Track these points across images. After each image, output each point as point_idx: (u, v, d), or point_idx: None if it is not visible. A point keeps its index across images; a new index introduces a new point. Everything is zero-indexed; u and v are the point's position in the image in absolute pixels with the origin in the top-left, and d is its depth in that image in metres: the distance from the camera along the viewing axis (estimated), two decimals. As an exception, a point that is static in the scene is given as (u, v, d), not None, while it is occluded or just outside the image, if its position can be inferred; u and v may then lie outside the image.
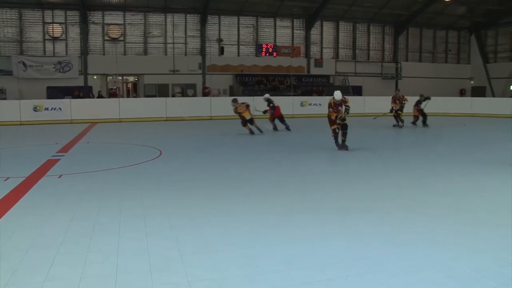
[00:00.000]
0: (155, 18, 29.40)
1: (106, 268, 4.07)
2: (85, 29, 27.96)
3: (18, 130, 18.31)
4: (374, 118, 19.32)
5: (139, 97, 28.73)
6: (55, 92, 25.45)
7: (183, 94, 29.08)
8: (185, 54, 29.83)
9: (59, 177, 8.24)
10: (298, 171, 9.00)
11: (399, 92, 18.71)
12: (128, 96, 30.15)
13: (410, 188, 7.42)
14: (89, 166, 9.49)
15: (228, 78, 30.33)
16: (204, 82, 29.76)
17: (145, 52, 29.28)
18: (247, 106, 15.72)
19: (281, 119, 16.66)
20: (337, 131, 11.19)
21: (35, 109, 20.94)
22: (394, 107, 18.07)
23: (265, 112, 16.73)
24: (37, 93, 25.36)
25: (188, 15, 29.77)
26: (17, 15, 27.20)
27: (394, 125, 18.19)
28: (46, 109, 21.14)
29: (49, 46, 27.86)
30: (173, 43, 29.52)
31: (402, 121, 18.04)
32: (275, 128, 16.68)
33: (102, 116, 21.19)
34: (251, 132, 15.48)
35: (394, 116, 18.14)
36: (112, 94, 29.13)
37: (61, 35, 27.97)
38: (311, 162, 9.99)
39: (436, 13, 33.06)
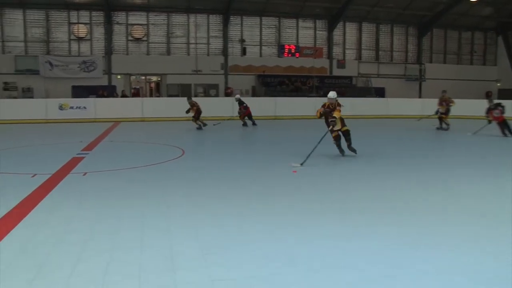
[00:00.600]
0: (178, 19, 29.61)
1: (130, 266, 4.11)
2: (109, 29, 28.33)
3: (44, 128, 18.63)
4: (418, 120, 18.95)
5: (162, 96, 28.97)
6: (79, 91, 25.85)
7: (206, 94, 29.21)
8: (208, 55, 29.98)
9: (84, 174, 8.36)
10: (313, 172, 8.96)
11: (445, 93, 17.83)
12: (151, 95, 30.42)
13: (438, 192, 7.32)
14: (113, 164, 9.61)
15: (250, 78, 30.37)
16: (226, 83, 29.87)
17: (168, 52, 29.51)
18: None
19: (250, 116, 19.01)
20: (338, 138, 10.62)
21: (60, 107, 21.32)
22: (440, 109, 17.51)
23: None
24: (63, 92, 25.80)
25: (211, 15, 29.91)
26: (44, 16, 27.71)
27: (437, 128, 17.66)
28: (71, 107, 21.52)
29: (74, 46, 28.31)
30: (196, 43, 29.69)
31: (448, 124, 17.45)
32: (244, 124, 18.91)
33: (125, 115, 21.43)
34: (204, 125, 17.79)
35: (439, 118, 17.62)
36: (135, 93, 29.45)
37: (86, 35, 28.38)
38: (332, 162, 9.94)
39: (461, 14, 32.58)
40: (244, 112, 19.05)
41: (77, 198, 6.62)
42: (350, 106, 24.67)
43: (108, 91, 26.77)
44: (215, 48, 30.20)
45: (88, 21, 28.38)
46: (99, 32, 28.54)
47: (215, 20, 30.06)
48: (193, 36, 29.77)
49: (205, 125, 17.85)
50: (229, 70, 30.01)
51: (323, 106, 10.76)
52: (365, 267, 4.07)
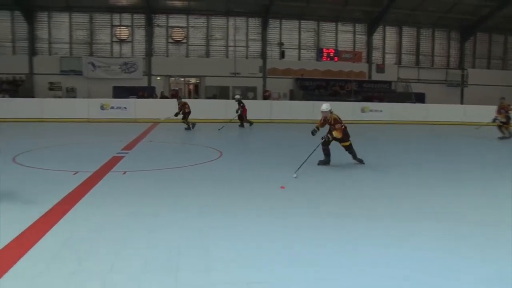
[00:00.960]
0: (218, 21, 29.90)
1: (167, 265, 4.17)
2: (150, 31, 28.87)
3: (86, 127, 19.13)
4: (476, 128, 18.18)
5: (200, 98, 29.27)
6: (120, 92, 26.42)
7: (243, 96, 29.32)
8: (246, 57, 30.14)
9: (124, 173, 8.53)
10: (351, 176, 8.86)
11: (504, 100, 16.67)
12: (189, 97, 30.78)
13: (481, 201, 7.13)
14: (152, 164, 9.78)
15: (288, 82, 30.33)
16: (264, 86, 29.93)
17: (207, 55, 29.83)
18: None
19: (245, 117, 19.44)
20: (327, 140, 9.61)
21: (102, 107, 21.86)
22: (499, 118, 16.33)
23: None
24: (104, 92, 26.43)
25: (250, 18, 30.07)
26: (88, 19, 28.54)
27: (499, 138, 16.33)
28: (112, 107, 22.03)
29: (116, 47, 29.01)
30: (235, 46, 29.90)
31: (510, 133, 16.37)
32: (241, 125, 19.40)
33: (164, 116, 21.71)
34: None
35: (498, 126, 16.51)
36: (174, 95, 29.85)
37: (128, 37, 29.03)
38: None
39: (507, 17, 31.51)
40: (242, 112, 19.47)
41: (116, 196, 6.76)
42: (388, 112, 24.53)
43: (147, 92, 27.26)
44: (254, 51, 30.34)
45: (130, 24, 29.03)
46: (140, 34, 29.14)
47: (254, 23, 30.20)
48: (232, 39, 29.99)
49: (194, 125, 18.10)
50: (267, 73, 30.07)
51: (321, 121, 9.90)
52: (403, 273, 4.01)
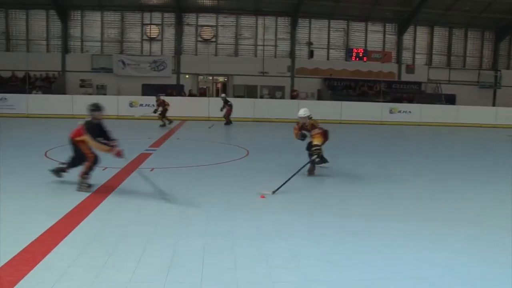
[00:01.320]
0: (247, 21, 29.94)
1: (193, 262, 4.21)
2: (179, 30, 29.12)
3: (115, 123, 19.35)
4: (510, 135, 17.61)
5: (228, 97, 29.35)
6: (149, 90, 26.69)
7: (271, 96, 29.35)
8: (275, 56, 30.09)
9: (151, 170, 8.64)
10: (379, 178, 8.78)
11: None
12: (217, 95, 30.93)
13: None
14: (178, 161, 9.89)
15: (316, 81, 30.17)
16: (292, 85, 29.83)
17: (236, 54, 29.91)
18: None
19: (227, 116, 19.64)
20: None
21: (131, 104, 22.21)
22: None
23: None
24: (134, 89, 26.77)
25: (279, 17, 30.00)
26: (119, 17, 28.96)
27: None
28: (141, 105, 22.35)
29: (146, 46, 29.35)
30: (263, 45, 29.89)
31: None
32: (227, 123, 19.58)
33: (192, 114, 21.97)
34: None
35: None
36: (202, 93, 30.08)
37: (157, 35, 29.34)
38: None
39: (544, 17, 30.59)
40: (228, 110, 19.67)
41: (143, 192, 6.85)
42: (417, 113, 24.19)
43: (176, 90, 27.51)
44: (282, 50, 30.26)
45: (160, 22, 29.33)
46: (169, 32, 29.41)
47: (283, 22, 30.13)
48: (260, 38, 29.99)
49: (170, 122, 18.41)
50: (296, 73, 29.96)
51: (298, 126, 8.83)
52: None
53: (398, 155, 12.85)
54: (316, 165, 8.65)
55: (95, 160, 7.04)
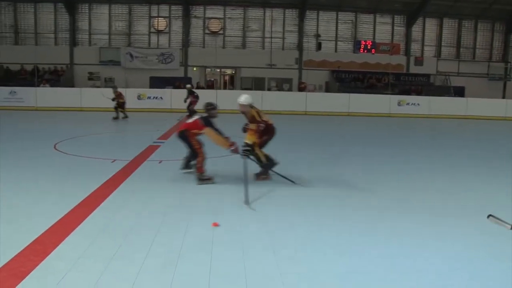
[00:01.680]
0: (254, 13, 29.85)
1: (201, 254, 4.23)
2: (187, 22, 29.10)
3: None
4: None
5: (235, 89, 29.37)
6: (157, 82, 26.77)
7: (279, 88, 29.30)
8: (282, 49, 30.00)
9: (160, 162, 8.67)
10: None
11: None
12: (225, 88, 30.93)
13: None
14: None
15: (324, 74, 30.05)
16: (300, 77, 29.76)
17: (243, 46, 29.86)
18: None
19: (192, 107, 18.88)
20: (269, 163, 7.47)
21: (139, 97, 22.26)
22: None
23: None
24: (141, 82, 26.85)
25: (287, 10, 29.88)
26: (127, 10, 28.99)
27: None
28: (149, 97, 22.47)
29: (153, 38, 29.39)
30: (271, 37, 29.80)
31: None
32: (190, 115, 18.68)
33: (200, 106, 21.85)
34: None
35: None
36: (210, 85, 30.07)
37: (165, 28, 29.35)
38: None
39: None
40: (194, 102, 19.04)
41: (152, 184, 6.89)
42: (426, 105, 24.06)
43: (184, 83, 27.50)
44: (290, 43, 30.16)
45: (167, 15, 29.33)
46: (177, 25, 29.41)
47: (291, 14, 30.00)
48: (268, 30, 29.90)
49: (126, 117, 18.13)
50: (304, 65, 29.87)
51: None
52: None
53: (406, 147, 12.79)
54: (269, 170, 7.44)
55: (203, 154, 7.14)
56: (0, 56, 27.09)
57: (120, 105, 18.18)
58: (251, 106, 7.42)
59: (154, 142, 11.43)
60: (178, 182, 7.04)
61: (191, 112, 18.59)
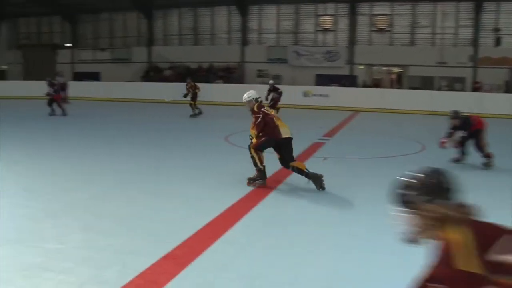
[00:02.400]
0: (424, 8, 28.32)
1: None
2: (353, 20, 28.83)
3: (289, 113, 20.07)
4: None
5: (403, 88, 28.29)
6: (323, 80, 27.07)
7: (450, 88, 27.42)
8: (454, 45, 28.02)
9: (324, 159, 8.76)
10: None
11: None
12: (391, 87, 29.99)
13: None
14: (350, 152, 9.85)
15: (503, 72, 27.22)
16: (474, 76, 27.49)
17: (412, 43, 28.60)
18: None
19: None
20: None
21: (304, 94, 22.78)
22: None
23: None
24: (307, 79, 27.40)
25: (460, 3, 27.75)
26: (294, 10, 29.83)
27: None
28: (314, 95, 22.82)
29: (319, 36, 29.78)
30: (442, 33, 28.06)
31: None
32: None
33: (365, 105, 21.67)
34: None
35: None
36: (376, 84, 29.42)
37: (331, 26, 29.50)
38: None
39: None
40: (278, 99, 18.03)
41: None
42: None
43: (349, 81, 27.41)
44: (463, 39, 27.98)
45: (333, 13, 29.43)
46: (343, 23, 29.30)
47: (465, 7, 27.76)
48: (439, 25, 28.18)
49: (199, 112, 17.39)
50: (479, 63, 27.52)
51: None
52: None
53: None
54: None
55: None
56: (182, 55, 30.16)
57: (193, 96, 17.39)
58: (256, 100, 7.22)
59: (319, 139, 11.61)
60: (342, 181, 7.02)
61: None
